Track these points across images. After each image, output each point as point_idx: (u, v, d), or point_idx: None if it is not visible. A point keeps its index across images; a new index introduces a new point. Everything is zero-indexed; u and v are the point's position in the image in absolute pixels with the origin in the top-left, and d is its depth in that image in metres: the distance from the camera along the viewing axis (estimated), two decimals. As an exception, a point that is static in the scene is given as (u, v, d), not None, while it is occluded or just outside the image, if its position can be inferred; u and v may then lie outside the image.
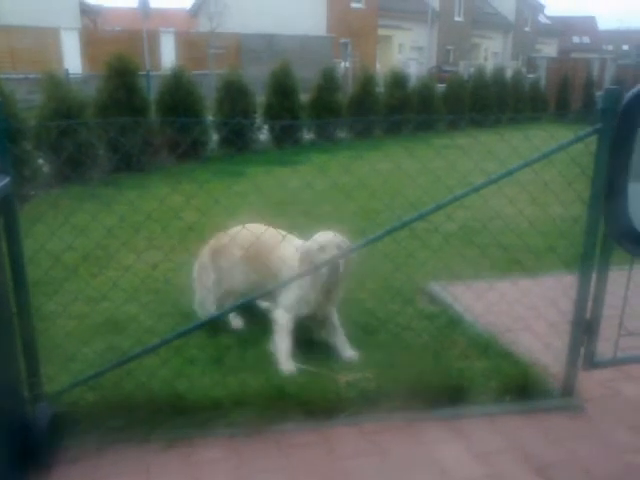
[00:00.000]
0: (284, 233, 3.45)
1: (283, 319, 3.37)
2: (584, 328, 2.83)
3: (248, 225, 3.44)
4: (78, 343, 3.26)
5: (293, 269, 3.31)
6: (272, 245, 3.49)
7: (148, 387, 2.79)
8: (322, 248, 3.22)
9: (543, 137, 3.01)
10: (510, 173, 2.65)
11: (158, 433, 2.65)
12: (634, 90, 0.92)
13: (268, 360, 3.22)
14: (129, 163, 8.14)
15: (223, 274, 3.71)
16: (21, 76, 15.66)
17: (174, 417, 2.69)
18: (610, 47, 57.46)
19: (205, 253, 3.82)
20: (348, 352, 3.40)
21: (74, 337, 3.32)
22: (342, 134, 13.03)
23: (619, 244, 1.10)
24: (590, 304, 2.80)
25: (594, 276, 2.76)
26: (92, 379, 2.75)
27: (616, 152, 0.93)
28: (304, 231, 3.49)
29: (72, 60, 19.94)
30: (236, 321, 3.76)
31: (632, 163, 0.93)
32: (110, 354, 3.11)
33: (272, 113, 11.19)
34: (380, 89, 13.95)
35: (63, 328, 3.35)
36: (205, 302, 3.79)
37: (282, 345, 3.32)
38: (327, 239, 3.25)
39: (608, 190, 0.95)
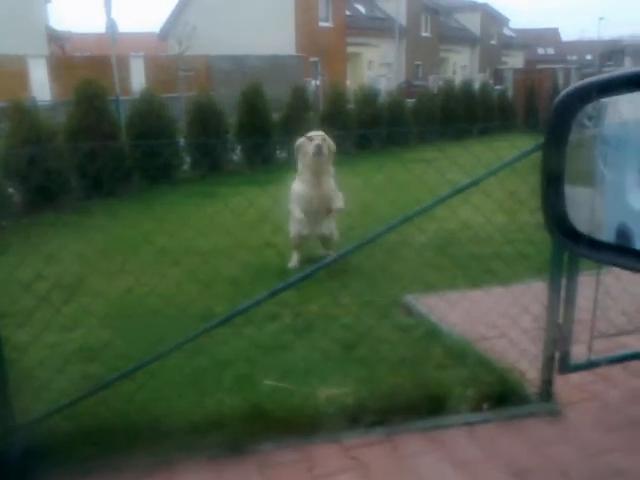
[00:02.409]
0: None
1: (295, 213, 5.00)
2: (557, 332, 2.87)
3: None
4: (51, 372, 3.19)
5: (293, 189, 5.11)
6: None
7: (125, 413, 2.75)
8: (310, 137, 5.02)
9: (506, 147, 3.06)
10: (475, 183, 2.68)
11: (136, 459, 2.60)
12: (565, 90, 0.94)
13: (244, 380, 3.19)
14: (100, 188, 8.06)
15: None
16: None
17: (152, 442, 2.65)
18: (574, 57, 58.59)
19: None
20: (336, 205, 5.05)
21: (47, 366, 3.25)
22: (314, 151, 13.04)
23: (559, 241, 1.12)
24: (562, 309, 2.84)
25: (564, 281, 2.80)
26: (67, 408, 2.70)
27: (550, 151, 0.95)
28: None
29: (41, 87, 19.77)
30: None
31: (567, 166, 0.95)
32: (85, 382, 3.05)
33: (244, 133, 11.19)
34: (351, 106, 14.05)
35: (35, 357, 3.28)
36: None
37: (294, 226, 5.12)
38: (314, 133, 5.09)
39: (545, 190, 0.96)
